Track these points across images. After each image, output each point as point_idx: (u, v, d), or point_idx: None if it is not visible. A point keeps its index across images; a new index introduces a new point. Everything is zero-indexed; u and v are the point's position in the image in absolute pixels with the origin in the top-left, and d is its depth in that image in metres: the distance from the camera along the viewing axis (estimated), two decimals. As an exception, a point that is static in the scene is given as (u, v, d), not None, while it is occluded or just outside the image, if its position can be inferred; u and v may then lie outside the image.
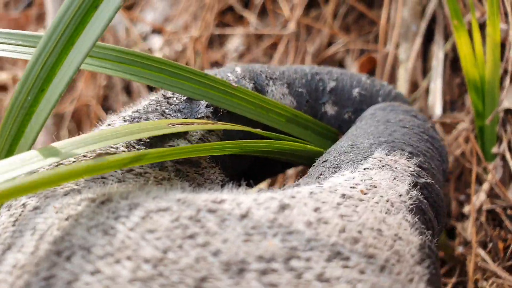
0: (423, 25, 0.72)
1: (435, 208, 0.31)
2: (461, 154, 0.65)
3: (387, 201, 0.26)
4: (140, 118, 0.34)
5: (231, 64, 0.42)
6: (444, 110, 0.70)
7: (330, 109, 0.39)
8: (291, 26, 0.91)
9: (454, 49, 0.73)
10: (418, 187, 0.30)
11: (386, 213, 0.25)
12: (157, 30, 1.04)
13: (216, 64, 0.96)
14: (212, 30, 0.97)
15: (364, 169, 0.29)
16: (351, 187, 0.27)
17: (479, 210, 0.61)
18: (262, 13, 0.99)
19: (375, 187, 0.27)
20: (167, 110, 0.35)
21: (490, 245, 0.59)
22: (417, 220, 0.27)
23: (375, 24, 0.88)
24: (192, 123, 0.33)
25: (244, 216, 0.23)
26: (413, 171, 0.30)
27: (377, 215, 0.25)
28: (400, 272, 0.22)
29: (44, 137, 0.98)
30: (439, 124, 0.66)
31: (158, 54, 1.00)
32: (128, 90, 1.08)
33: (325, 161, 0.32)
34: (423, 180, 0.30)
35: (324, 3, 0.92)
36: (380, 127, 0.34)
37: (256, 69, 0.39)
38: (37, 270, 0.21)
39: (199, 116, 0.36)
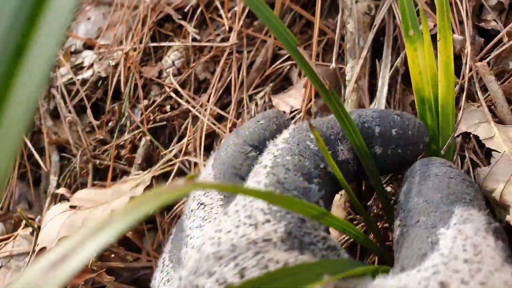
0: (371, 38, 0.62)
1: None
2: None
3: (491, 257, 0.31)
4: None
5: (303, 126, 0.44)
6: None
7: (378, 150, 0.45)
8: (233, 37, 0.81)
9: (406, 63, 0.64)
10: (494, 231, 0.34)
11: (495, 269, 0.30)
12: (89, 45, 0.93)
13: (152, 81, 0.85)
14: (146, 42, 0.87)
15: (454, 224, 0.33)
16: (463, 250, 0.31)
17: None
18: (203, 22, 0.88)
19: (475, 245, 0.31)
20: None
21: None
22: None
23: (325, 33, 0.79)
24: None
25: None
26: (485, 219, 0.34)
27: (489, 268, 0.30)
28: None
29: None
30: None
31: (89, 71, 0.88)
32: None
33: (417, 221, 0.36)
34: (493, 224, 0.34)
35: (269, 11, 0.82)
36: (435, 181, 0.39)
37: (326, 134, 0.43)
38: None
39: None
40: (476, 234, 0.32)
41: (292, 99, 0.75)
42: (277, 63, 0.80)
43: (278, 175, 0.35)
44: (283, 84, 0.82)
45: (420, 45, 0.53)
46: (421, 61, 0.54)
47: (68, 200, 0.63)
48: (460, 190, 0.37)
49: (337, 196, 0.60)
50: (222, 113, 0.77)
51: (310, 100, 0.73)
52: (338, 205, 0.61)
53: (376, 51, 0.66)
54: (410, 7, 0.52)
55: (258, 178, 0.36)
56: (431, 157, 0.45)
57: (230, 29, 0.83)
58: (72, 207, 0.61)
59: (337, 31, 0.67)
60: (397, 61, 0.64)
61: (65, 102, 0.83)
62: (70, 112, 0.83)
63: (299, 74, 0.80)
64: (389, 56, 0.62)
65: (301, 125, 0.43)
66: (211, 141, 0.78)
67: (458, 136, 0.58)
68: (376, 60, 0.63)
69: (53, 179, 0.84)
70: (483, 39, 0.71)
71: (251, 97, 0.80)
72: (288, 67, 0.81)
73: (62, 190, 0.65)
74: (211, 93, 0.80)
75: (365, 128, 0.45)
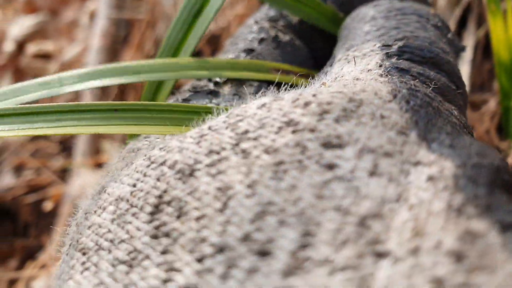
0: (457, 12, 0.72)
1: (423, 57, 0.30)
2: (486, 132, 0.65)
3: (355, 78, 0.27)
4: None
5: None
6: (472, 92, 0.70)
7: None
8: None
9: (486, 36, 0.73)
10: (393, 54, 0.30)
11: (355, 82, 0.26)
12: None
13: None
14: None
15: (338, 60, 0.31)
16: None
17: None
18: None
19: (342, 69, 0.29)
20: None
21: None
22: (394, 78, 0.27)
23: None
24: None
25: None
26: (382, 47, 0.30)
27: (344, 83, 0.25)
28: (363, 115, 0.22)
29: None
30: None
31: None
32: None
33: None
34: (396, 46, 0.30)
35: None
36: (365, 26, 0.34)
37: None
38: None
39: None
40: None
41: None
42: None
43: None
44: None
45: (500, 18, 0.62)
46: (499, 30, 0.63)
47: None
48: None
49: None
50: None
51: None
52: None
53: (460, 26, 0.75)
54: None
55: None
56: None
57: None
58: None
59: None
60: (477, 33, 0.73)
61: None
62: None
63: None
64: (474, 28, 0.71)
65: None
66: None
67: (529, 94, 0.66)
68: (463, 28, 0.73)
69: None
70: None
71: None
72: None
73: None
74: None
75: None
